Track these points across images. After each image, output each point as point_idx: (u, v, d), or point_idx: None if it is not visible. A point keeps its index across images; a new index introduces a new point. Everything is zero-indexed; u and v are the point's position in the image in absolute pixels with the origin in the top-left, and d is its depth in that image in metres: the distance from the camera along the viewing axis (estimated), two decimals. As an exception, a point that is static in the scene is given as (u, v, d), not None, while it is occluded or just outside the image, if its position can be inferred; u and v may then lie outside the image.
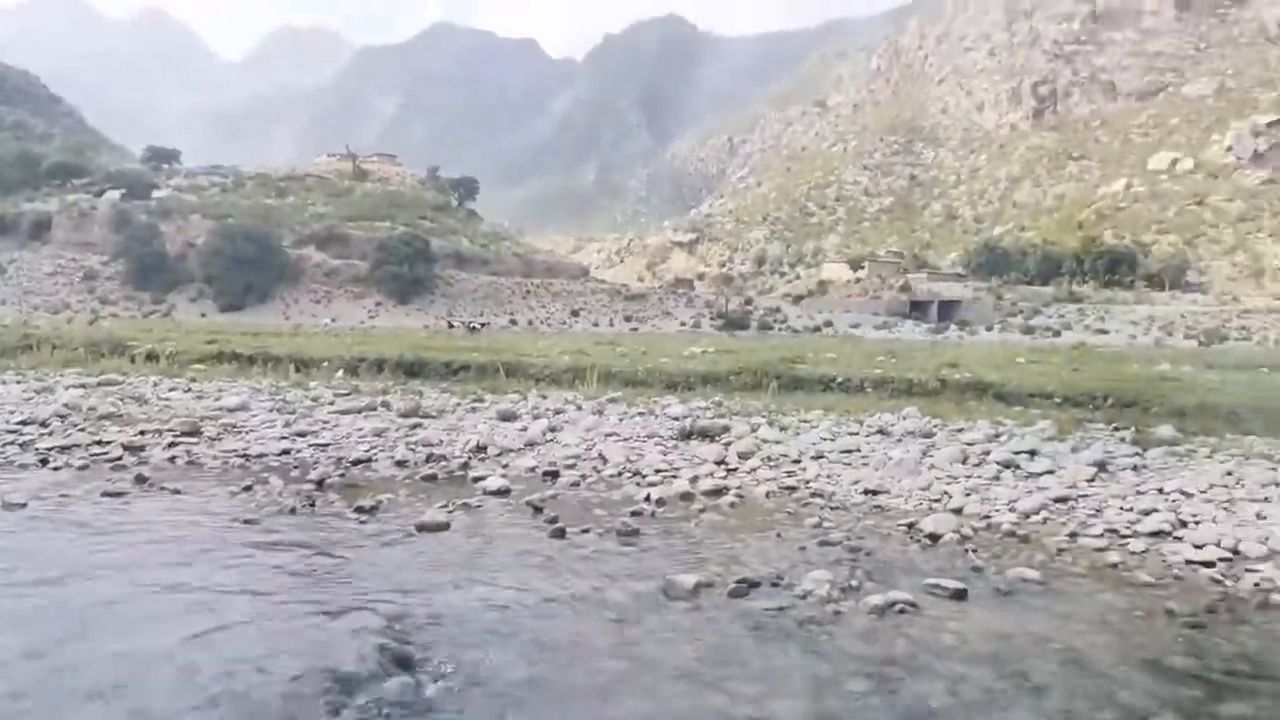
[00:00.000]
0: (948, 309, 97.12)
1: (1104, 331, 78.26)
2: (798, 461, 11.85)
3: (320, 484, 10.52)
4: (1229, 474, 10.48)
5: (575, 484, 10.87)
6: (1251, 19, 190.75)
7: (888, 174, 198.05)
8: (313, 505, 9.50)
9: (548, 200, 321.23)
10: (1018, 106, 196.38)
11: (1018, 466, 11.16)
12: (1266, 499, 9.32)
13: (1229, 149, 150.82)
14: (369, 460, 11.95)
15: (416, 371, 22.87)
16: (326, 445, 12.78)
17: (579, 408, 16.42)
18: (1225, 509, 9.06)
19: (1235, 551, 7.82)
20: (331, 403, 16.68)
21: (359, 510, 9.21)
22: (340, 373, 22.11)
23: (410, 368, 23.13)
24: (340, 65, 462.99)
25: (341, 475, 11.11)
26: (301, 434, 13.47)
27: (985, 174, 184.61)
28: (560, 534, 8.44)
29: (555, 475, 11.24)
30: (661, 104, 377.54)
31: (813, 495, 10.25)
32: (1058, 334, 74.38)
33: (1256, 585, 7.15)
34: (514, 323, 72.81)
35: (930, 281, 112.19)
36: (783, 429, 14.04)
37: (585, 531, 8.56)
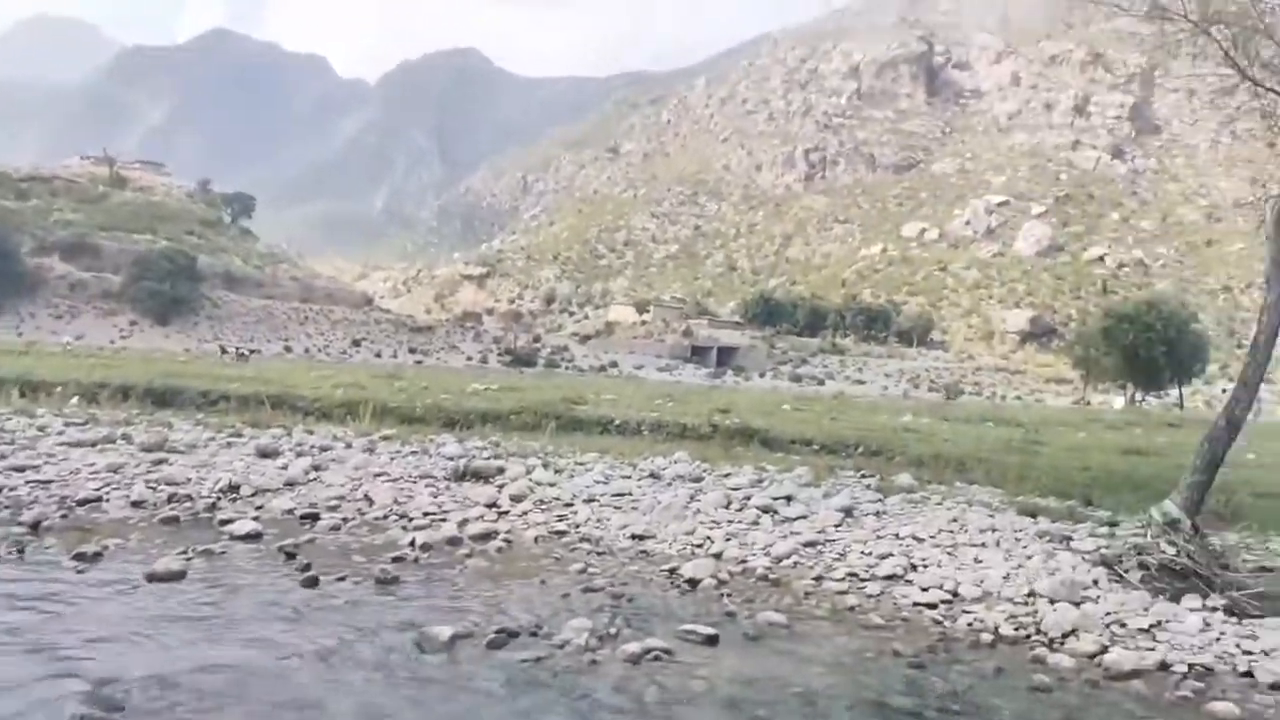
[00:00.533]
0: (726, 355, 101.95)
1: (861, 382, 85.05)
2: (570, 505, 11.89)
3: (35, 527, 9.35)
4: (954, 520, 11.56)
5: (336, 527, 10.32)
6: (987, 110, 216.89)
7: (674, 222, 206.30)
8: (21, 551, 8.41)
9: (332, 223, 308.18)
10: (792, 169, 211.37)
11: (775, 512, 11.75)
12: (983, 544, 10.36)
13: (967, 223, 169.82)
14: (99, 500, 10.77)
15: (168, 400, 21.00)
16: (49, 482, 11.40)
17: (349, 445, 15.69)
18: (949, 553, 9.97)
19: (954, 594, 8.61)
20: (61, 433, 14.95)
21: (79, 557, 8.25)
22: (76, 399, 19.89)
23: (161, 396, 21.21)
24: (99, 63, 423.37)
25: (63, 516, 9.94)
26: (19, 469, 11.94)
27: (763, 229, 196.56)
28: (312, 583, 7.95)
29: (315, 518, 10.62)
30: (456, 135, 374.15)
31: (581, 540, 10.31)
32: (822, 382, 79.93)
33: (969, 625, 7.91)
34: (288, 350, 68.77)
35: (711, 328, 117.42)
36: (558, 471, 14.06)
37: (341, 579, 8.11)
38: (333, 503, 11.35)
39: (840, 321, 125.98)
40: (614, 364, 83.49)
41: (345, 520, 10.61)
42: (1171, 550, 8.97)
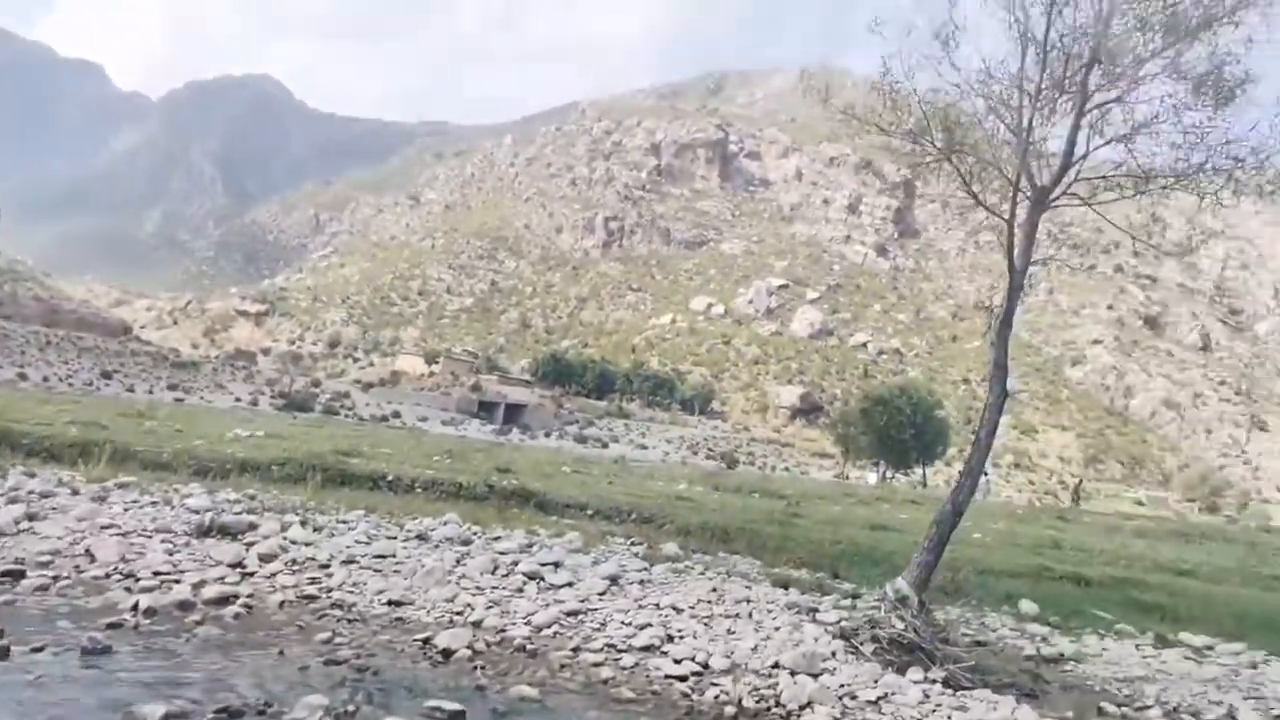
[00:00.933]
0: (514, 412, 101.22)
1: (644, 446, 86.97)
2: (326, 567, 11.20)
3: None
4: (714, 590, 11.93)
5: (44, 587, 9.13)
6: (773, 199, 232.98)
7: (471, 276, 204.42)
8: None
9: (92, 243, 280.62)
10: (591, 235, 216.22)
11: (542, 578, 11.64)
12: (737, 615, 10.74)
13: (750, 302, 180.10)
14: None
15: None
16: None
17: (76, 492, 14.05)
18: (705, 624, 10.24)
19: (705, 665, 8.83)
20: None
21: None
22: None
23: None
24: None
25: None
26: None
27: (559, 291, 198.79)
28: (3, 654, 6.95)
29: (19, 575, 9.36)
30: (244, 164, 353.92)
31: (332, 606, 9.70)
32: (606, 445, 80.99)
33: (716, 698, 8.12)
34: (23, 378, 61.13)
35: (500, 384, 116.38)
36: (317, 529, 13.25)
37: (38, 650, 7.15)
38: (45, 558, 10.07)
39: (628, 386, 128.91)
40: (397, 414, 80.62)
41: (56, 579, 9.43)
42: (900, 625, 9.69)
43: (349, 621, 9.23)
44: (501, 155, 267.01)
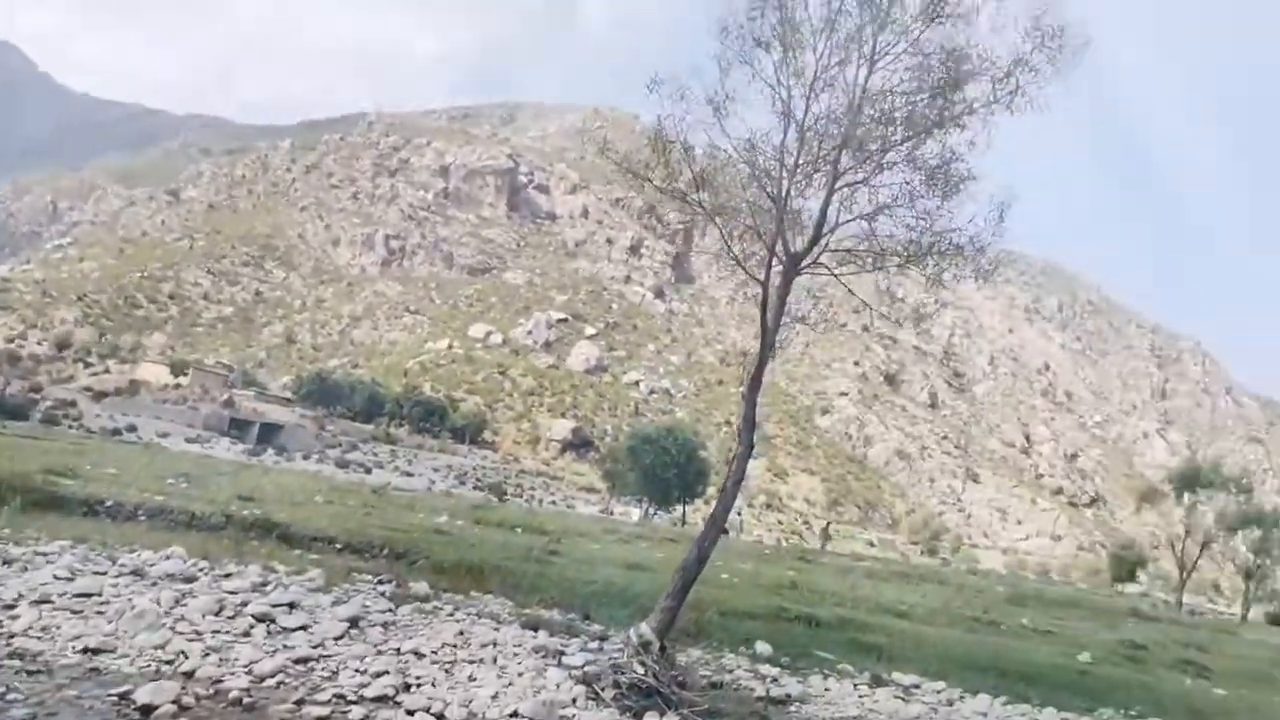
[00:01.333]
0: (270, 432, 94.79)
1: (410, 474, 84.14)
2: (12, 608, 9.82)
3: None
4: (461, 633, 11.59)
5: None
6: (559, 233, 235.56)
7: (234, 283, 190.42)
8: None
9: None
10: (370, 252, 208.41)
11: (273, 621, 10.83)
12: (482, 660, 10.48)
13: (529, 333, 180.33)
14: None
15: None
16: None
17: None
18: (447, 670, 9.92)
19: (441, 716, 8.52)
20: None
21: None
22: None
23: None
24: None
25: None
26: None
27: (330, 307, 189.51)
28: None
29: None
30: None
31: (12, 655, 8.48)
32: (369, 471, 77.59)
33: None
34: None
35: (257, 401, 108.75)
36: (7, 563, 11.62)
37: None
38: None
39: (398, 411, 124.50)
40: (133, 428, 73.16)
41: None
42: (641, 670, 9.86)
43: (29, 673, 8.08)
44: (278, 159, 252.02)
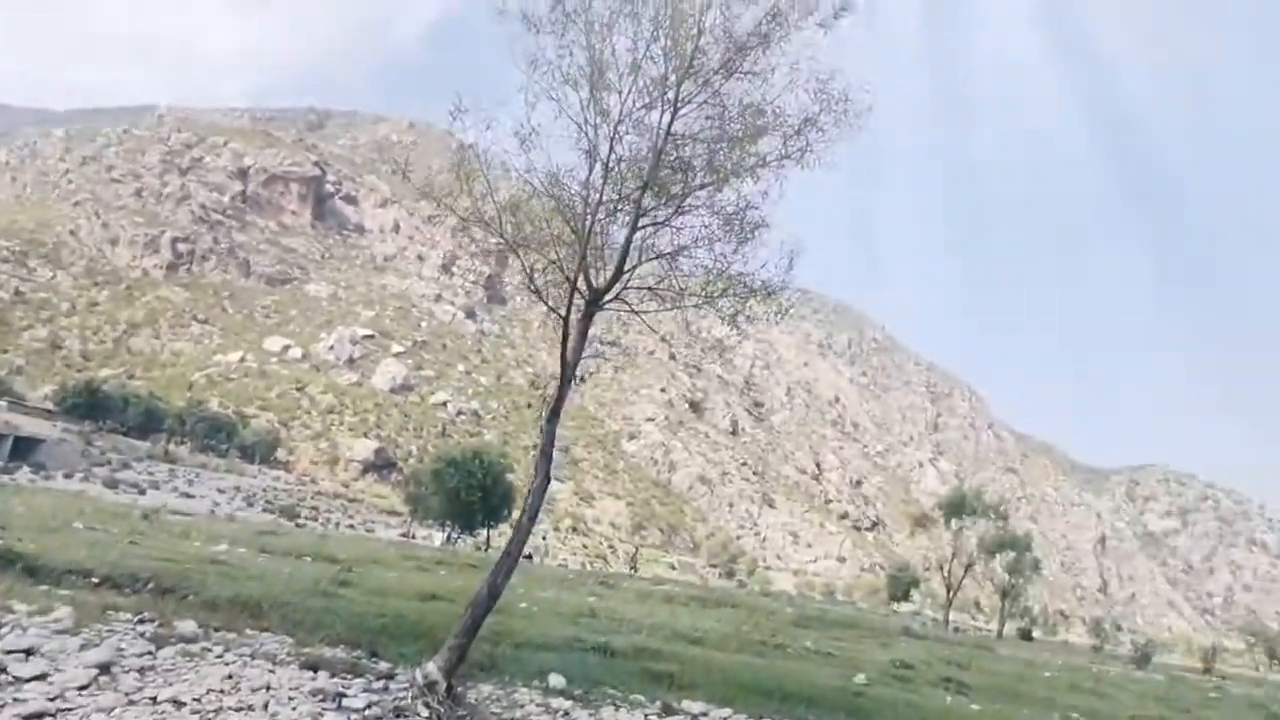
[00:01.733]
0: (27, 446, 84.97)
1: (190, 495, 77.83)
2: None
3: None
4: (229, 677, 10.75)
5: None
6: (367, 247, 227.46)
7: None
8: None
9: None
10: (155, 254, 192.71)
11: (4, 670, 9.64)
12: (251, 706, 9.78)
13: (331, 349, 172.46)
14: None
15: None
16: None
17: None
18: (211, 719, 9.18)
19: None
20: None
21: None
22: None
23: None
24: None
25: None
26: None
27: (105, 311, 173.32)
28: None
29: None
30: None
31: None
32: (143, 492, 71.16)
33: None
34: None
35: (11, 412, 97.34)
36: None
37: None
38: None
39: (180, 427, 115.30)
40: None
41: None
42: (425, 713, 9.55)
43: None
44: (50, 148, 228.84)
